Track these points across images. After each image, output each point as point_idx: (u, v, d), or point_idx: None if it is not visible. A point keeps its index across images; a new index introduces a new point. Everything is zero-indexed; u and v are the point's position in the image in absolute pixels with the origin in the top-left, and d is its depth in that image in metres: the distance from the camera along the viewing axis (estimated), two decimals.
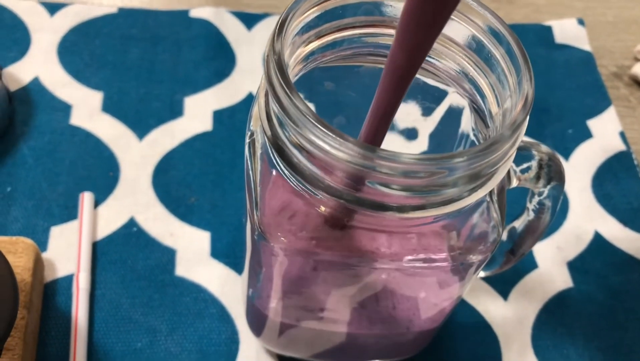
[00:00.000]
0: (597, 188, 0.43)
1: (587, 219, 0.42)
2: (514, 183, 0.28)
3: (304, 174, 0.22)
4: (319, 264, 0.26)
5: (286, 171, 0.23)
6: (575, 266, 0.40)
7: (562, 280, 0.39)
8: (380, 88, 0.22)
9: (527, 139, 0.28)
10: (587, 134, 0.46)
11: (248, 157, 0.26)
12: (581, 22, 0.52)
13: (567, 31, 0.51)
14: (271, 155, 0.24)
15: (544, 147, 0.28)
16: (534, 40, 0.51)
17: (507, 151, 0.21)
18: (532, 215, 0.31)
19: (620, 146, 0.45)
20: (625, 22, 0.54)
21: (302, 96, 0.21)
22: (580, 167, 0.44)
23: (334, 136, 0.20)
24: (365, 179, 0.21)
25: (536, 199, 0.30)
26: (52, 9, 0.47)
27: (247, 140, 0.26)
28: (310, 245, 0.25)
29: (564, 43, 0.51)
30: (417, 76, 0.28)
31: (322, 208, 0.24)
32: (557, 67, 0.49)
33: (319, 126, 0.20)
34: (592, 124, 0.46)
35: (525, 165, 0.27)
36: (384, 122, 0.23)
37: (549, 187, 0.27)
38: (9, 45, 0.45)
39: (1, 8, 0.47)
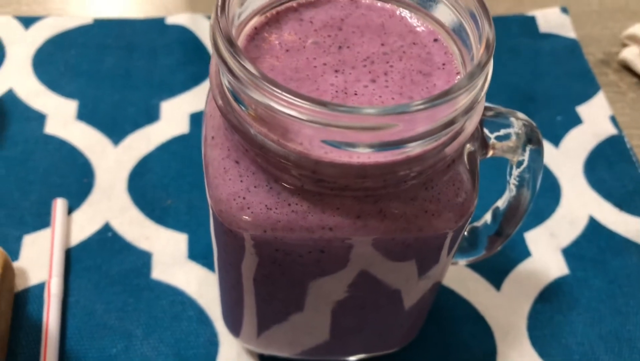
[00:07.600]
0: (590, 173, 0.42)
1: (580, 204, 0.40)
2: (490, 153, 0.27)
3: (259, 143, 0.21)
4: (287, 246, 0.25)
5: (241, 139, 0.21)
6: (570, 252, 0.38)
7: (558, 267, 0.37)
8: None
9: (502, 108, 0.26)
10: (576, 120, 0.44)
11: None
12: (565, 10, 0.51)
13: (551, 20, 0.50)
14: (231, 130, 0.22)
15: (521, 114, 0.26)
16: (518, 32, 0.50)
17: (477, 95, 0.20)
18: (513, 190, 0.29)
19: (611, 131, 0.44)
20: (610, 10, 0.53)
21: None
22: (571, 154, 0.43)
23: (285, 93, 0.19)
24: (320, 138, 0.20)
25: (516, 172, 0.28)
26: (27, 22, 0.47)
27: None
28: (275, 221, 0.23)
29: (548, 32, 0.50)
30: None
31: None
32: (542, 56, 0.48)
33: (269, 84, 0.19)
34: (582, 110, 0.45)
35: (502, 132, 0.26)
36: None
37: (527, 150, 0.26)
38: None
39: None
